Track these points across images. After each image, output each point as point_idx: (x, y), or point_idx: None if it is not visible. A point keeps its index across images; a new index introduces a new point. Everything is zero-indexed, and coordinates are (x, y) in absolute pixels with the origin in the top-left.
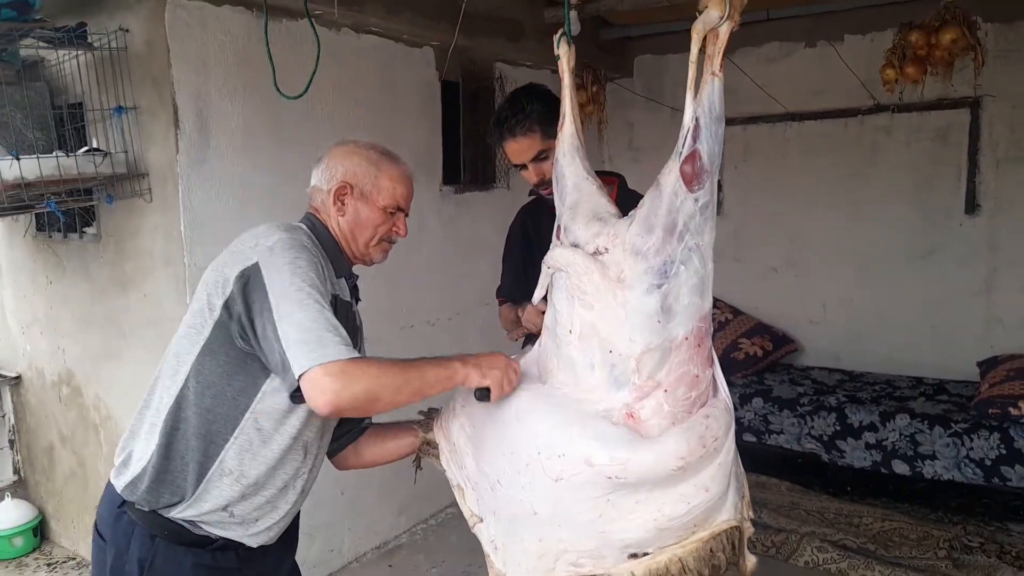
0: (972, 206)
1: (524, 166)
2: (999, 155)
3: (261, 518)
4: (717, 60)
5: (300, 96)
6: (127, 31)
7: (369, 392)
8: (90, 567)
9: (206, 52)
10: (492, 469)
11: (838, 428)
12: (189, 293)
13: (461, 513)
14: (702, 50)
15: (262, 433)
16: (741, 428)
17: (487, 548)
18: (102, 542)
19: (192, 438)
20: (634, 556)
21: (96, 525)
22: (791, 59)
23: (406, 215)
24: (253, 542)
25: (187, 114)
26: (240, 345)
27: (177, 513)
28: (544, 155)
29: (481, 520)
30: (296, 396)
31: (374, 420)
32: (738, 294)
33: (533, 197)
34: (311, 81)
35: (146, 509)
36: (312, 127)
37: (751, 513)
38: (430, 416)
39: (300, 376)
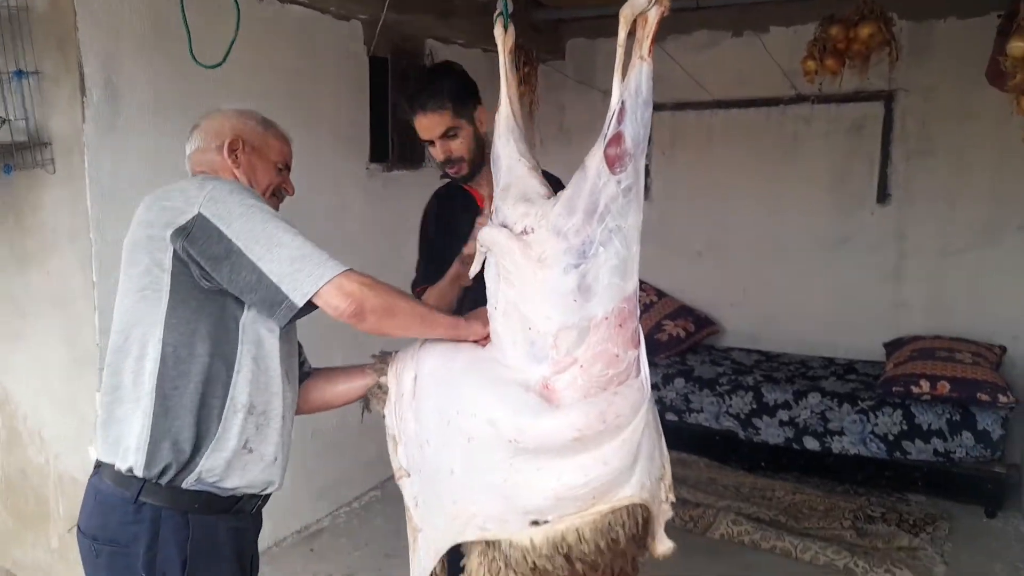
0: (883, 195)
1: (432, 142)
2: (910, 147)
3: (278, 455)
4: (646, 45)
5: (217, 66)
6: None
7: (389, 304)
8: None
9: (118, 15)
10: (424, 426)
11: (754, 407)
12: (96, 270)
13: (384, 498)
14: (631, 34)
15: (257, 362)
16: (663, 408)
17: (408, 503)
18: (112, 548)
19: (196, 387)
20: (535, 523)
21: (93, 538)
22: (719, 48)
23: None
24: (271, 484)
25: (95, 80)
26: (206, 286)
27: (205, 466)
28: (453, 132)
29: (408, 475)
30: (297, 319)
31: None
32: (663, 277)
33: (446, 181)
34: (229, 50)
35: (175, 480)
36: (229, 100)
37: (672, 497)
38: (384, 360)
39: (318, 290)
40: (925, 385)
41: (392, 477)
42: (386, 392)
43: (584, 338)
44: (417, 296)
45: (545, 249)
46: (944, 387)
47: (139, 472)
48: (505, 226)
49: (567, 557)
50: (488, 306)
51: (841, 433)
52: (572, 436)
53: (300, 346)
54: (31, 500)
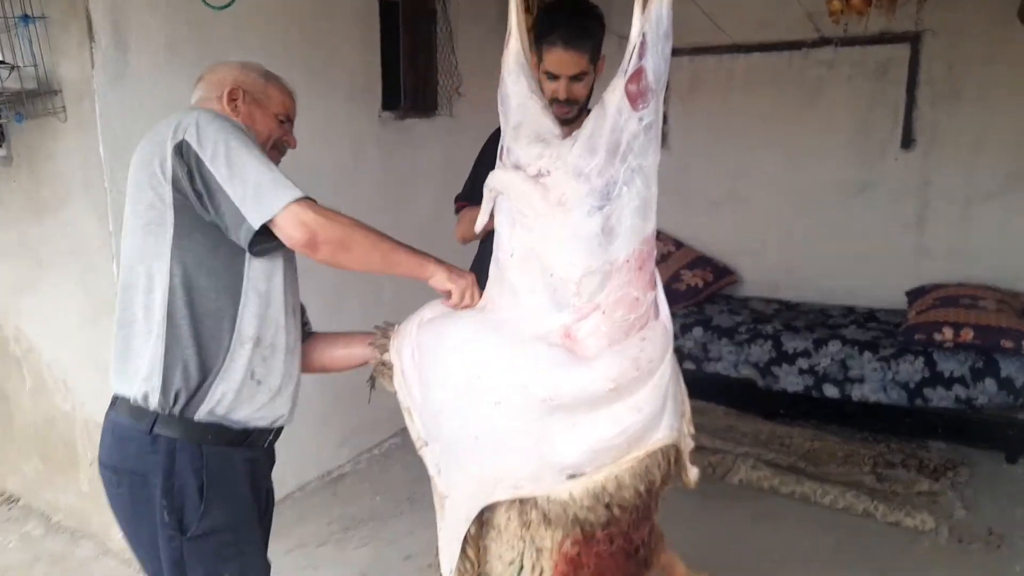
0: (908, 141)
1: (556, 77)
2: (936, 91)
3: (284, 386)
4: None
5: (226, 7)
6: None
7: (345, 235)
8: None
9: None
10: (437, 396)
11: (773, 355)
12: (112, 219)
13: (404, 444)
14: None
15: (262, 296)
16: (681, 356)
17: (432, 471)
18: (132, 479)
19: (203, 319)
20: (572, 477)
21: (114, 470)
22: None
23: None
24: (280, 418)
25: (102, 26)
26: (207, 218)
27: (215, 395)
28: (582, 76)
29: (426, 444)
30: (255, 246)
31: (330, 331)
32: (682, 227)
33: None
34: None
35: (187, 410)
36: (240, 46)
37: (692, 429)
38: (386, 334)
39: (274, 216)
40: (948, 333)
41: None
42: (391, 368)
43: (606, 283)
44: (457, 210)
45: (565, 191)
46: (968, 334)
47: (154, 399)
48: (519, 167)
49: (607, 505)
50: (500, 254)
51: (861, 381)
52: (608, 387)
53: (303, 307)
54: (59, 446)
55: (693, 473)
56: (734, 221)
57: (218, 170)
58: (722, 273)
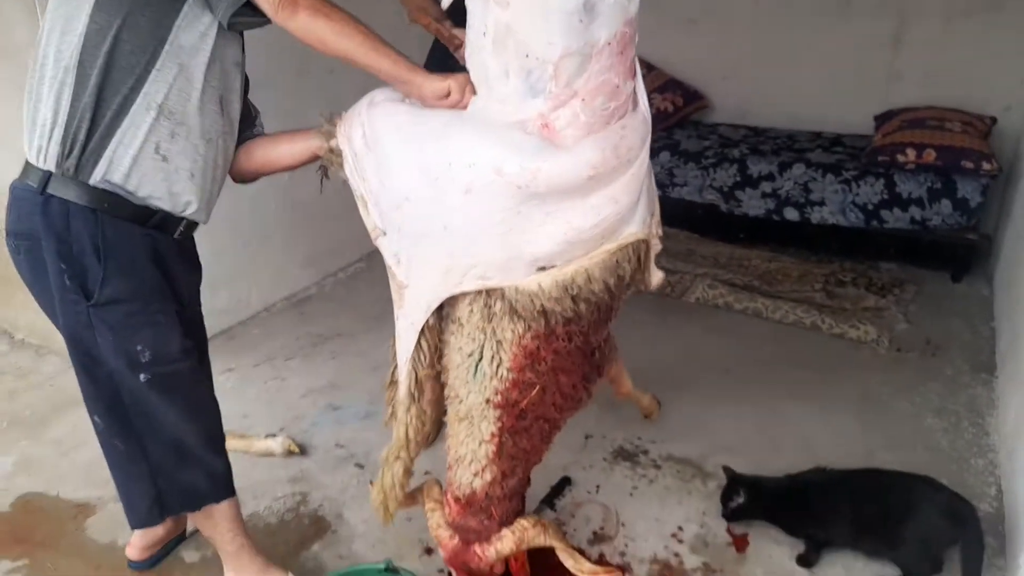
0: None
1: None
2: None
3: (196, 173)
4: None
5: None
6: None
7: (327, 8)
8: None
9: None
10: (399, 185)
11: (738, 179)
12: (42, 14)
13: (370, 267)
14: None
15: (181, 68)
16: None
17: (389, 261)
18: (29, 242)
19: (113, 71)
20: (542, 269)
21: (12, 234)
22: None
23: None
24: (187, 205)
25: None
26: None
27: (111, 156)
28: None
29: (384, 233)
30: (234, 18)
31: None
32: (654, 48)
33: None
34: None
35: (81, 169)
36: None
37: (660, 231)
38: (332, 121)
39: None
40: (911, 154)
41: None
42: (339, 155)
43: (586, 67)
44: None
45: None
46: (930, 155)
47: (53, 153)
48: None
49: (574, 298)
50: (472, 35)
51: (822, 203)
52: (588, 174)
53: (258, 113)
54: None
55: (657, 276)
56: (709, 42)
57: None
58: (693, 97)
